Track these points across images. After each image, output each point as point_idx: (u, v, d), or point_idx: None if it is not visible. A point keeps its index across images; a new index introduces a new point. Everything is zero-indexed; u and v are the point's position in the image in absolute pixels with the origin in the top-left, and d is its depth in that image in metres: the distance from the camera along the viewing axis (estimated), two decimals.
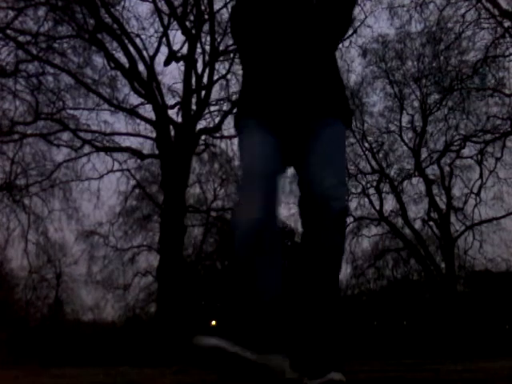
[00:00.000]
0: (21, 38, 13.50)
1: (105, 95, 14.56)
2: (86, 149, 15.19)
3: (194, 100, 14.24)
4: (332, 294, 1.79)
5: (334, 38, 2.02)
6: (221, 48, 14.52)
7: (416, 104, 17.70)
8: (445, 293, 16.80)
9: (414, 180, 18.26)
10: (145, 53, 13.96)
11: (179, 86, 14.88)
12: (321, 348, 1.72)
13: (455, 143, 17.64)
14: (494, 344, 15.24)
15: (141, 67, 13.80)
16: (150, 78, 13.71)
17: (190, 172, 14.17)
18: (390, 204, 18.57)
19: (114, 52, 13.89)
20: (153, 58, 13.96)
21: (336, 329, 1.76)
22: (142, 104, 14.69)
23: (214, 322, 19.91)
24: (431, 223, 18.35)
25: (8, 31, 13.38)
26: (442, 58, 15.67)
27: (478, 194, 17.53)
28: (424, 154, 17.87)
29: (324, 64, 1.95)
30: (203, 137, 15.63)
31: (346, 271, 18.77)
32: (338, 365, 1.69)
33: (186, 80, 14.19)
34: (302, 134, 1.88)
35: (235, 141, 15.11)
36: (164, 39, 14.23)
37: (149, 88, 13.63)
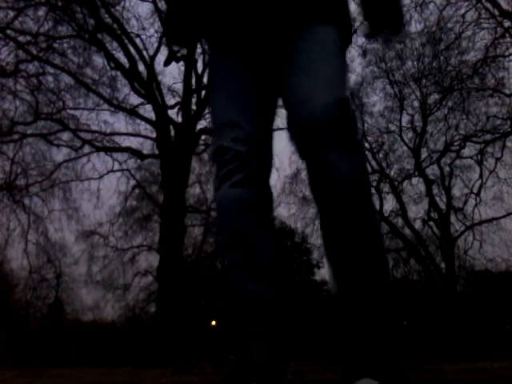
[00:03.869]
0: (21, 38, 13.53)
1: (105, 95, 14.59)
2: (86, 149, 15.24)
3: (194, 100, 14.26)
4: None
5: None
6: None
7: (416, 104, 17.70)
8: (445, 293, 16.79)
9: (414, 180, 18.27)
10: (145, 53, 14.01)
11: (179, 86, 14.91)
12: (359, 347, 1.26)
13: (455, 143, 17.65)
14: (494, 344, 15.22)
15: (141, 67, 13.83)
16: (149, 78, 13.71)
17: (189, 172, 14.16)
18: (389, 204, 18.56)
19: (114, 52, 13.94)
20: (153, 57, 13.99)
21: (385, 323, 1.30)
22: (142, 104, 14.72)
23: (214, 322, 19.91)
24: (431, 223, 18.36)
25: (8, 31, 13.40)
26: (441, 57, 15.67)
27: (478, 194, 17.53)
28: (424, 153, 17.88)
29: None
30: (203, 137, 15.62)
31: None
32: (379, 368, 1.20)
33: (186, 80, 14.19)
34: (282, 51, 1.40)
35: None
36: (164, 39, 14.25)
37: (149, 88, 13.63)
